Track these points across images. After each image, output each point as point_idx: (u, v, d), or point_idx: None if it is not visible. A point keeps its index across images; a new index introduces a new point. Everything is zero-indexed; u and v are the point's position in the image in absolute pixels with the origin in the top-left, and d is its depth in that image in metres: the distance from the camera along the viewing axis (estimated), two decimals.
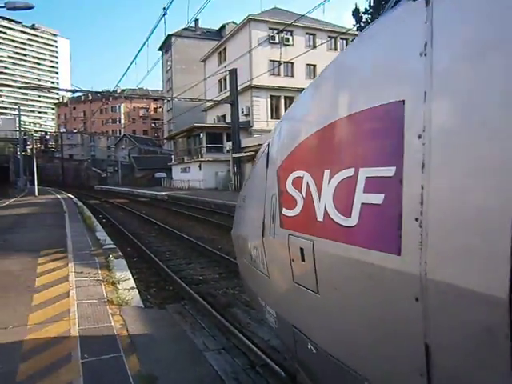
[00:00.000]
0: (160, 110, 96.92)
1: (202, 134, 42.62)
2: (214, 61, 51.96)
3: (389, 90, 1.68)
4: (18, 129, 50.23)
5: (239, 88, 35.48)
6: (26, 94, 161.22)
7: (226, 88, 44.52)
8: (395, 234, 1.52)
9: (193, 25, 59.26)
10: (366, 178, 1.71)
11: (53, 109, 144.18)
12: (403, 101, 1.55)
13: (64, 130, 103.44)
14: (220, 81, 48.57)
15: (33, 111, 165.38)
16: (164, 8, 10.86)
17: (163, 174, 58.27)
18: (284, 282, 2.57)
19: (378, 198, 1.64)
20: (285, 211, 2.45)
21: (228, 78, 38.21)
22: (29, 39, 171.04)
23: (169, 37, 60.99)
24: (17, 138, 52.15)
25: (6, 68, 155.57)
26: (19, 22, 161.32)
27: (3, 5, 10.56)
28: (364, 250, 1.70)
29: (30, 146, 50.46)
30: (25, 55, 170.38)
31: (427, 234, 1.39)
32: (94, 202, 33.25)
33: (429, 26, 1.46)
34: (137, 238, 13.05)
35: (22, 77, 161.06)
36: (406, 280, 1.48)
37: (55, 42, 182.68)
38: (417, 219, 1.43)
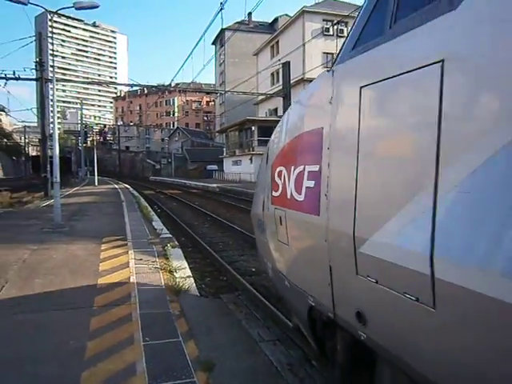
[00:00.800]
0: (212, 103, 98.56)
1: (253, 128, 42.88)
2: (266, 54, 51.98)
3: (316, 121, 2.96)
4: (79, 122, 53.01)
5: (292, 81, 35.25)
6: (87, 89, 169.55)
7: (278, 81, 44.45)
8: (317, 204, 2.70)
9: (245, 18, 59.55)
10: (308, 171, 2.92)
11: (111, 102, 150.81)
12: (322, 127, 2.76)
13: (121, 122, 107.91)
14: (272, 74, 48.55)
15: (93, 105, 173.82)
16: (221, 3, 11.04)
17: (215, 167, 59.31)
18: (273, 242, 3.80)
19: (311, 184, 2.84)
20: (273, 193, 3.72)
21: (281, 71, 38.06)
22: (90, 36, 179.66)
23: (222, 31, 61.68)
24: (78, 131, 55.14)
25: (69, 64, 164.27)
26: (82, 21, 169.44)
27: (71, 5, 11.19)
28: (306, 215, 2.92)
29: (91, 138, 53.16)
30: (86, 52, 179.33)
31: (329, 204, 2.57)
32: (148, 192, 34.50)
33: (333, 86, 2.72)
34: (191, 229, 13.41)
35: (83, 72, 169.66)
36: (321, 229, 2.65)
37: (114, 38, 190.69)
38: (326, 195, 2.61)
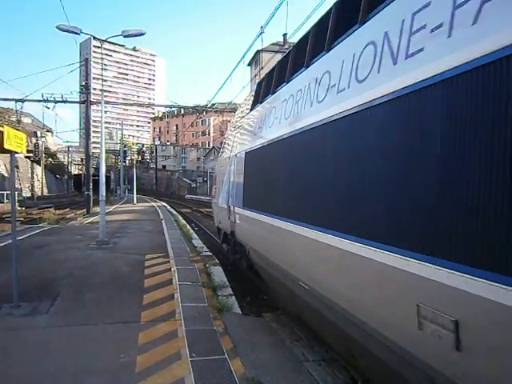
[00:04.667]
0: None
1: None
2: None
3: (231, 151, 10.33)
4: (118, 142, 54.87)
5: None
6: (127, 110, 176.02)
7: None
8: (227, 197, 9.92)
9: (281, 39, 60.50)
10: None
11: (149, 123, 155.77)
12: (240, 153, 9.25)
13: (158, 142, 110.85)
14: None
15: (132, 125, 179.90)
16: (261, 27, 11.39)
17: None
18: (216, 213, 12.46)
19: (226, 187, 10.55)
20: (216, 192, 12.13)
21: None
22: (131, 60, 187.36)
23: (257, 52, 62.92)
24: (117, 150, 57.04)
25: (110, 87, 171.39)
26: (123, 46, 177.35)
27: (120, 33, 11.84)
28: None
29: (129, 158, 54.82)
30: (126, 74, 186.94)
31: (233, 196, 9.21)
32: (185, 210, 35.12)
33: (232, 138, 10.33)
34: None
35: (123, 94, 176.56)
36: (227, 209, 9.86)
37: (153, 61, 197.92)
38: (228, 193, 9.76)
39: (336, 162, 4.08)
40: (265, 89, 7.68)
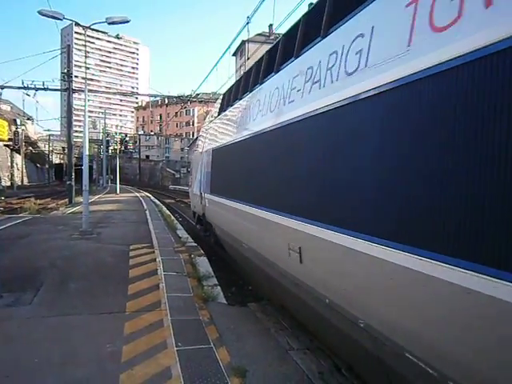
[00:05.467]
0: None
1: None
2: None
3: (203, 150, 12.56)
4: (101, 131, 54.04)
5: None
6: (110, 99, 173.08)
7: None
8: (199, 186, 12.35)
9: (266, 30, 60.17)
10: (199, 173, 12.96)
11: (132, 112, 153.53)
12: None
13: (142, 132, 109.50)
14: None
15: (115, 114, 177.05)
16: (248, 17, 11.32)
17: None
18: (192, 200, 15.03)
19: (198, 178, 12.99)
20: (192, 182, 15.01)
21: None
22: (113, 48, 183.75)
23: (243, 42, 62.43)
24: (99, 139, 56.17)
25: (93, 75, 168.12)
26: (106, 33, 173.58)
27: (104, 20, 11.60)
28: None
29: (112, 147, 54.06)
30: (109, 62, 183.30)
31: (203, 184, 11.47)
32: (169, 201, 34.95)
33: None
34: None
35: (106, 82, 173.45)
36: (199, 195, 12.25)
37: (136, 49, 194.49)
38: (201, 182, 12.06)
39: (263, 160, 6.17)
40: (226, 101, 10.12)
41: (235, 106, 8.62)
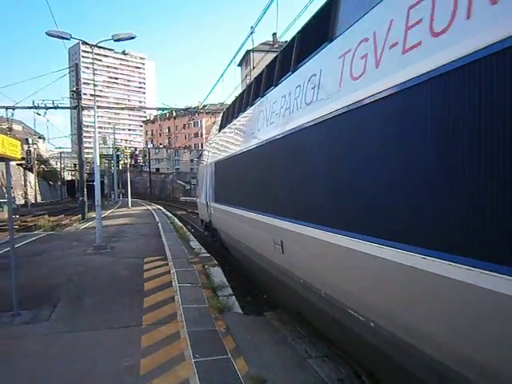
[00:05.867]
0: None
1: None
2: None
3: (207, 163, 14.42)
4: (111, 146, 54.59)
5: None
6: (118, 114, 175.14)
7: None
8: (205, 195, 14.13)
9: (271, 38, 60.60)
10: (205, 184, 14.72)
11: (141, 126, 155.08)
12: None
13: (151, 145, 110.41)
14: None
15: (123, 129, 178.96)
16: (251, 27, 11.40)
17: None
18: (200, 210, 17.39)
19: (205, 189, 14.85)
20: (200, 193, 16.51)
21: None
22: (120, 64, 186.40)
23: (247, 52, 62.90)
24: (109, 154, 56.70)
25: (101, 91, 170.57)
26: (112, 50, 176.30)
27: (110, 38, 11.78)
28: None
29: (122, 162, 54.52)
30: (116, 78, 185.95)
31: (209, 194, 13.29)
32: (181, 212, 35.06)
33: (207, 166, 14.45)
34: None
35: (114, 98, 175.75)
36: (205, 203, 14.45)
37: (143, 64, 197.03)
38: (206, 192, 13.86)
39: (253, 172, 7.54)
40: (224, 120, 11.90)
41: (230, 125, 10.51)
